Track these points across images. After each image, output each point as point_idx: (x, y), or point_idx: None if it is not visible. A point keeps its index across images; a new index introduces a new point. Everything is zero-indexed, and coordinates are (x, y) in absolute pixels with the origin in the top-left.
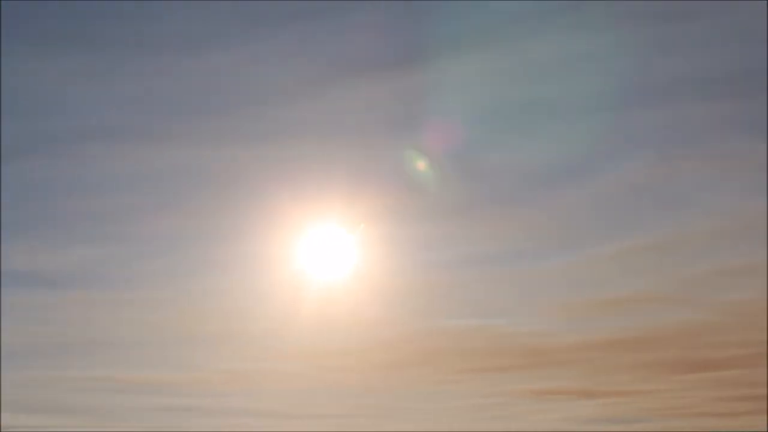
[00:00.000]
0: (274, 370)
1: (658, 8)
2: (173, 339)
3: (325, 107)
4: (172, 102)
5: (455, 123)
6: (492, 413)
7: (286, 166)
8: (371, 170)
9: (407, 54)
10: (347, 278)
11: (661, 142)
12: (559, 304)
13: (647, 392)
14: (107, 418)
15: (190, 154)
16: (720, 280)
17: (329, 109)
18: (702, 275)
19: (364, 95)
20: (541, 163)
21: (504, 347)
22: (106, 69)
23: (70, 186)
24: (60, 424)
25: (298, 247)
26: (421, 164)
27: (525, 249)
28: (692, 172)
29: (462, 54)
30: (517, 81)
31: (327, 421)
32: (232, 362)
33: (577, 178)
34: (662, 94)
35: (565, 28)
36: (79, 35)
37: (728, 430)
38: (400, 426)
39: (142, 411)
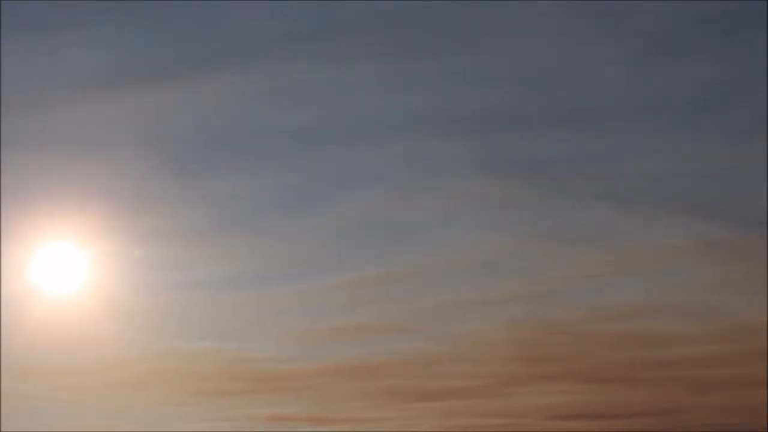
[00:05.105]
0: None
1: (407, 45)
2: None
3: (65, 119)
4: None
5: (196, 144)
6: None
7: (19, 176)
8: (107, 187)
9: (156, 71)
10: (78, 296)
11: (397, 176)
12: (293, 331)
13: (377, 420)
14: None
15: None
16: (451, 312)
17: (68, 122)
18: (434, 307)
19: (107, 110)
20: (280, 190)
21: (237, 371)
22: None
23: None
24: None
25: (26, 262)
26: (160, 185)
27: (260, 274)
28: (427, 207)
29: (212, 75)
30: (264, 106)
31: None
32: None
33: (314, 206)
34: (401, 129)
35: (315, 56)
36: None
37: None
38: None
39: None
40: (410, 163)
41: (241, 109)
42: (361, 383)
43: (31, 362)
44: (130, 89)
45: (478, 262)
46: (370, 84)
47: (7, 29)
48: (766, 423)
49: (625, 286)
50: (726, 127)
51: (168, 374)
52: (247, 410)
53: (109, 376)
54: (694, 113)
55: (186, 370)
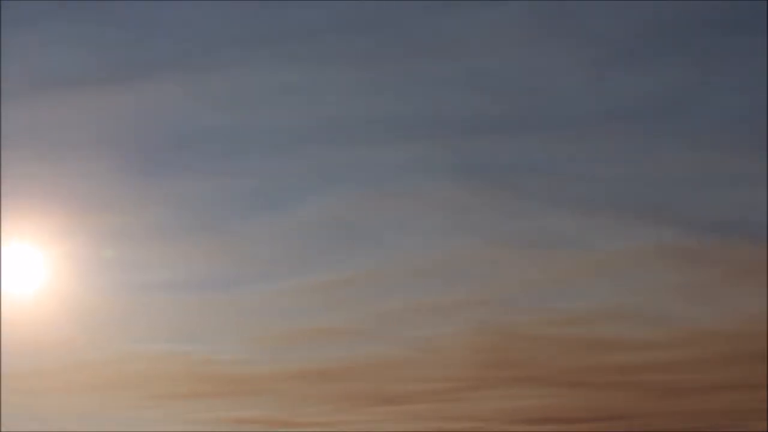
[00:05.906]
0: None
1: (368, 49)
2: None
3: (28, 119)
4: None
5: (160, 144)
6: None
7: None
8: (67, 187)
9: (120, 71)
10: (39, 297)
11: (359, 179)
12: (256, 334)
13: (341, 423)
14: None
15: None
16: (412, 317)
17: (30, 121)
18: (395, 311)
19: (70, 109)
20: (243, 192)
21: (201, 374)
22: None
23: None
24: None
25: None
26: (123, 185)
27: (223, 277)
28: (389, 211)
29: (177, 75)
30: (228, 107)
31: None
32: None
33: (277, 209)
34: (363, 132)
35: (278, 59)
36: None
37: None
38: None
39: None
40: (372, 167)
41: (205, 110)
42: (326, 386)
43: None
44: (94, 89)
45: (439, 267)
46: (332, 87)
47: None
48: (721, 426)
49: (587, 291)
50: (687, 133)
51: (132, 377)
52: (211, 413)
53: (72, 379)
54: (656, 119)
55: (150, 372)
